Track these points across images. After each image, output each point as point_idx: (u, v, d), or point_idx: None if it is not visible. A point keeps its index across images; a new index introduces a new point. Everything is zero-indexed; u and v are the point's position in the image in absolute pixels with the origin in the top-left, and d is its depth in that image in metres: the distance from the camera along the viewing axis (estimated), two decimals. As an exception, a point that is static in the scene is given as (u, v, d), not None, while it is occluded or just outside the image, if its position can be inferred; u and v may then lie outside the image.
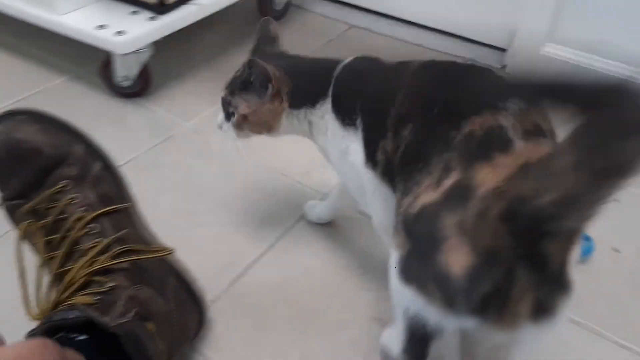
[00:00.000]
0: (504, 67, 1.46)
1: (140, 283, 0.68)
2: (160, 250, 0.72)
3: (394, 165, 0.66)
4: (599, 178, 0.43)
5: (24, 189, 0.71)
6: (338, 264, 0.93)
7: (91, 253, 0.66)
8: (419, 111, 0.63)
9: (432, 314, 0.54)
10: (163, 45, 1.26)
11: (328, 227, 0.99)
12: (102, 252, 0.67)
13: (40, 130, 0.73)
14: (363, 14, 1.70)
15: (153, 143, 1.17)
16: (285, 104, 0.80)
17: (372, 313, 0.84)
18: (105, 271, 0.66)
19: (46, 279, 0.67)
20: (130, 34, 1.17)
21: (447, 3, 1.54)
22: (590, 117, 0.43)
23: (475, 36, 1.54)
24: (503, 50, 1.47)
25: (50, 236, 0.68)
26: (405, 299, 0.57)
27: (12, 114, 0.74)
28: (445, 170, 0.55)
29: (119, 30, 1.17)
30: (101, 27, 1.19)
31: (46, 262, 0.67)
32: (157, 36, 1.22)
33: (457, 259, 0.50)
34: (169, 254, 0.72)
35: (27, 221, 0.68)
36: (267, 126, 0.82)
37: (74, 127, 0.77)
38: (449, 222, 0.52)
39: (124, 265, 0.67)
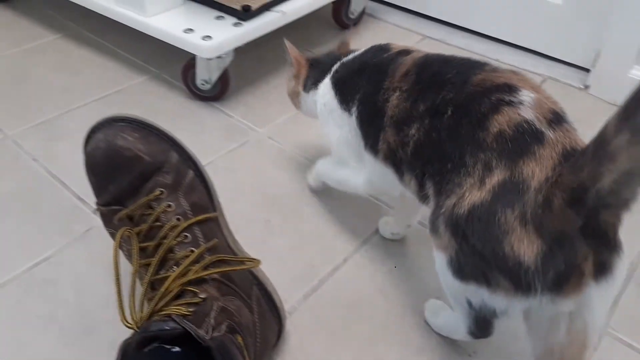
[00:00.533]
0: (587, 87, 1.41)
1: (229, 294, 0.69)
2: (248, 261, 0.72)
3: (402, 157, 0.73)
4: None
5: (121, 195, 0.74)
6: (412, 283, 0.91)
7: (186, 262, 0.67)
8: (425, 113, 0.68)
9: (500, 301, 0.60)
10: (240, 51, 1.28)
11: (402, 245, 0.98)
12: (195, 262, 0.68)
13: (140, 138, 0.75)
14: (437, 25, 1.68)
15: (229, 148, 1.19)
16: (300, 87, 0.99)
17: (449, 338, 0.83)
18: (198, 281, 0.67)
19: (139, 286, 0.69)
20: (217, 39, 1.19)
21: (526, 17, 1.49)
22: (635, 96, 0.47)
23: (556, 53, 1.49)
24: (587, 70, 1.42)
25: (145, 243, 0.70)
26: (466, 294, 0.64)
27: (112, 120, 0.77)
28: (486, 169, 0.60)
29: (205, 34, 1.20)
30: (189, 30, 1.21)
31: (140, 268, 0.69)
32: (241, 42, 1.24)
33: (526, 248, 0.56)
34: (257, 265, 0.73)
35: (125, 227, 0.70)
36: (294, 102, 1.04)
37: (170, 134, 0.79)
38: (509, 216, 0.57)
39: (215, 275, 0.69)
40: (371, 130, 0.78)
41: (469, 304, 0.65)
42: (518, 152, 0.59)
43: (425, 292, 0.89)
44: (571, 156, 0.58)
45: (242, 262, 0.72)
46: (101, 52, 1.49)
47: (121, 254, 0.72)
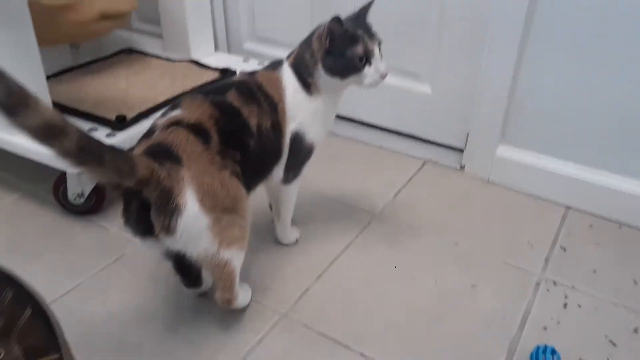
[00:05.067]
0: (462, 167, 1.48)
1: None
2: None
3: None
4: None
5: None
6: None
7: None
8: None
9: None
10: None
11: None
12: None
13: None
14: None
15: (101, 265, 1.13)
16: None
17: None
18: None
19: None
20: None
21: (403, 106, 1.58)
22: None
23: (433, 137, 1.58)
24: (461, 151, 1.50)
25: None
26: None
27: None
28: None
29: None
30: (54, 147, 1.17)
31: None
32: (111, 154, 1.21)
33: None
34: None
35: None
36: None
37: (6, 271, 0.73)
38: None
39: None
40: None
41: None
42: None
43: None
44: None
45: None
46: (-29, 171, 1.41)
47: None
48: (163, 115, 0.90)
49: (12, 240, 1.20)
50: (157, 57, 1.70)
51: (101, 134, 1.24)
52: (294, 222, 1.22)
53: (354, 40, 0.95)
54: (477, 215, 1.32)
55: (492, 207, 1.35)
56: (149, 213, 0.80)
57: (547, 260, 1.18)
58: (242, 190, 0.90)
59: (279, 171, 1.04)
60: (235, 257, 0.89)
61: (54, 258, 1.14)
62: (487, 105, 1.37)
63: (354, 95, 1.68)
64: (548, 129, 1.33)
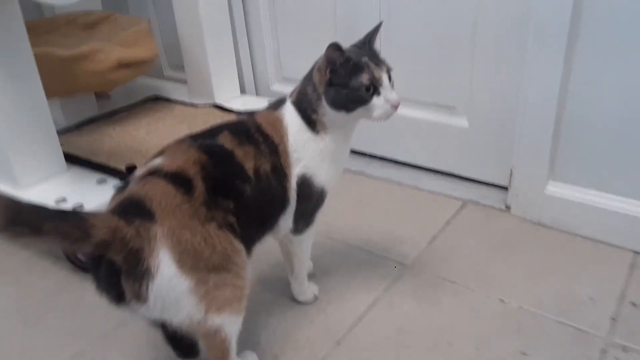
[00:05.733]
0: (508, 207, 1.31)
1: None
2: None
3: None
4: None
5: None
6: None
7: None
8: None
9: None
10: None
11: None
12: None
13: None
14: (355, 157, 1.63)
15: (106, 328, 1.04)
16: None
17: None
18: None
19: None
20: (89, 206, 1.10)
21: (438, 142, 1.44)
22: None
23: (473, 174, 1.42)
24: (506, 188, 1.33)
25: None
26: None
27: None
28: None
29: (78, 202, 1.11)
30: (61, 200, 1.13)
31: None
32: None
33: None
34: None
35: None
36: None
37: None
38: None
39: None
40: None
41: None
42: None
43: None
44: None
45: None
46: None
47: None
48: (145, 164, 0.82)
49: (18, 300, 1.14)
50: (182, 103, 1.67)
51: (110, 185, 1.18)
52: (311, 276, 1.09)
53: (358, 68, 0.84)
54: (527, 265, 1.14)
55: (544, 254, 1.17)
56: (120, 277, 0.71)
57: (614, 319, 0.99)
58: (236, 244, 0.79)
59: (286, 220, 0.93)
60: (228, 323, 0.78)
61: (57, 320, 1.07)
62: (532, 136, 1.21)
63: (384, 132, 1.57)
64: (606, 160, 1.14)
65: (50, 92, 1.40)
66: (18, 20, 1.10)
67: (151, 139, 1.40)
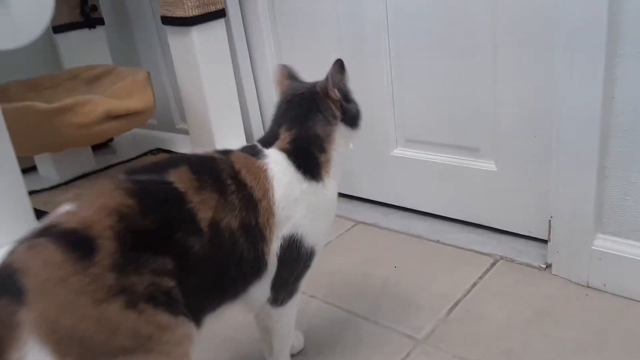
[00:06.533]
0: (548, 266, 1.08)
1: None
2: None
3: None
4: None
5: None
6: None
7: None
8: None
9: None
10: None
11: None
12: None
13: None
14: (371, 206, 1.44)
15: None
16: None
17: None
18: None
19: None
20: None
21: (464, 189, 1.24)
22: None
23: (506, 226, 1.20)
24: (545, 241, 1.10)
25: None
26: None
27: None
28: None
29: None
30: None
31: None
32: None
33: None
34: None
35: None
36: None
37: None
38: None
39: None
40: None
41: None
42: None
43: None
44: None
45: None
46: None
47: None
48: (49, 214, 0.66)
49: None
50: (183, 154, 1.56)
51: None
52: (302, 354, 0.90)
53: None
54: (574, 340, 0.89)
55: (596, 325, 0.92)
56: None
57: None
58: (167, 317, 0.61)
59: (262, 289, 0.76)
60: None
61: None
62: (572, 177, 0.99)
63: (401, 179, 1.37)
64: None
65: (35, 148, 1.33)
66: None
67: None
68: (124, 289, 0.59)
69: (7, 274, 0.57)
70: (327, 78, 0.81)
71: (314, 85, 0.82)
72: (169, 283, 0.63)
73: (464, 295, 1.05)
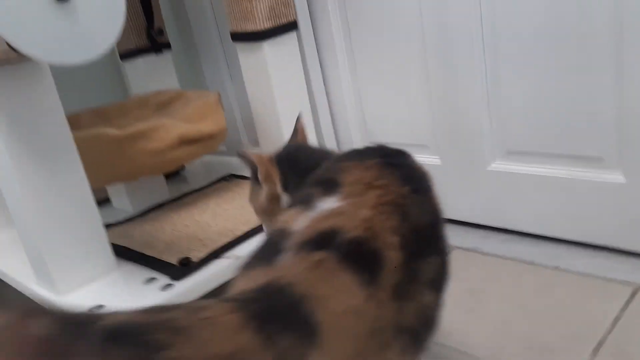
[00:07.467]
0: None
1: None
2: None
3: None
4: None
5: None
6: None
7: None
8: None
9: None
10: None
11: None
12: None
13: None
14: (468, 229, 1.29)
15: None
16: (279, 189, 0.80)
17: None
18: None
19: None
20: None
21: (585, 205, 1.07)
22: None
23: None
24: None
25: None
26: None
27: None
28: None
29: (98, 304, 0.91)
30: (99, 307, 0.92)
31: None
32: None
33: None
34: None
35: None
36: (270, 215, 0.81)
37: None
38: None
39: None
40: None
41: None
42: None
43: None
44: None
45: None
46: None
47: None
48: (306, 204, 0.48)
49: None
50: (257, 179, 1.46)
51: (158, 284, 0.96)
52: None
53: None
54: None
55: None
56: None
57: None
58: None
59: None
60: None
61: None
62: None
63: (504, 196, 1.21)
64: None
65: (108, 178, 1.27)
66: (58, 111, 0.96)
67: (216, 223, 1.19)
68: (401, 326, 0.43)
69: (290, 299, 0.40)
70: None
71: None
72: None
73: (607, 334, 0.87)
